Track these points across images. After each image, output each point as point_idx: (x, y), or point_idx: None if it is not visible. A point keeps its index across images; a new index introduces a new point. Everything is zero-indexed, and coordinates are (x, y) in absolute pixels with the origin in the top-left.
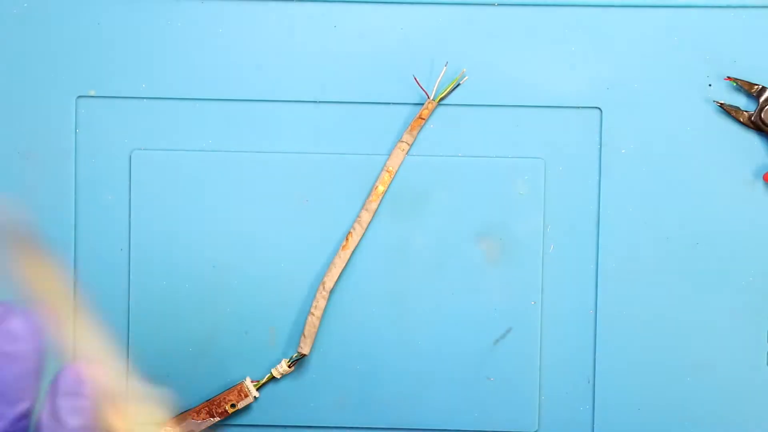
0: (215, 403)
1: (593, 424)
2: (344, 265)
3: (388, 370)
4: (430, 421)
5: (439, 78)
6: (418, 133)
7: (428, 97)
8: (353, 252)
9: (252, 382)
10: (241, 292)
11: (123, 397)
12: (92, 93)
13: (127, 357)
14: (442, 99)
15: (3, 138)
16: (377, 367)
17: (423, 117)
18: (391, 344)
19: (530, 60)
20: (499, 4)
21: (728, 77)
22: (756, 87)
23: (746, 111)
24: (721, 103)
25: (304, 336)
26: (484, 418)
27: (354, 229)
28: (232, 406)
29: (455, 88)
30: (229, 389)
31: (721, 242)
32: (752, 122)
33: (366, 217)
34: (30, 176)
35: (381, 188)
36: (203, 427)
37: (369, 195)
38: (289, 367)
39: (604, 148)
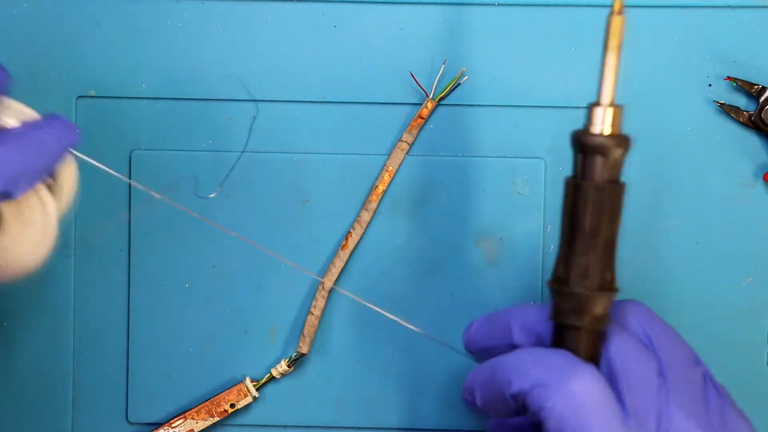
0: (215, 403)
1: None
2: (344, 265)
3: (388, 370)
4: (430, 421)
5: (438, 77)
6: (418, 133)
7: (427, 97)
8: (353, 252)
9: (252, 382)
10: (241, 292)
11: None
12: (92, 93)
13: (127, 356)
14: (441, 99)
15: None
16: (377, 367)
17: (423, 117)
18: (391, 344)
19: (530, 60)
20: (499, 4)
21: (728, 77)
22: (756, 87)
23: (746, 111)
24: (721, 103)
25: (304, 336)
26: (484, 418)
27: (354, 228)
28: (232, 406)
29: (455, 87)
30: (229, 389)
31: (721, 242)
32: (752, 122)
33: (366, 216)
34: None
35: (381, 188)
36: (203, 426)
37: (369, 195)
38: (289, 366)
39: None
